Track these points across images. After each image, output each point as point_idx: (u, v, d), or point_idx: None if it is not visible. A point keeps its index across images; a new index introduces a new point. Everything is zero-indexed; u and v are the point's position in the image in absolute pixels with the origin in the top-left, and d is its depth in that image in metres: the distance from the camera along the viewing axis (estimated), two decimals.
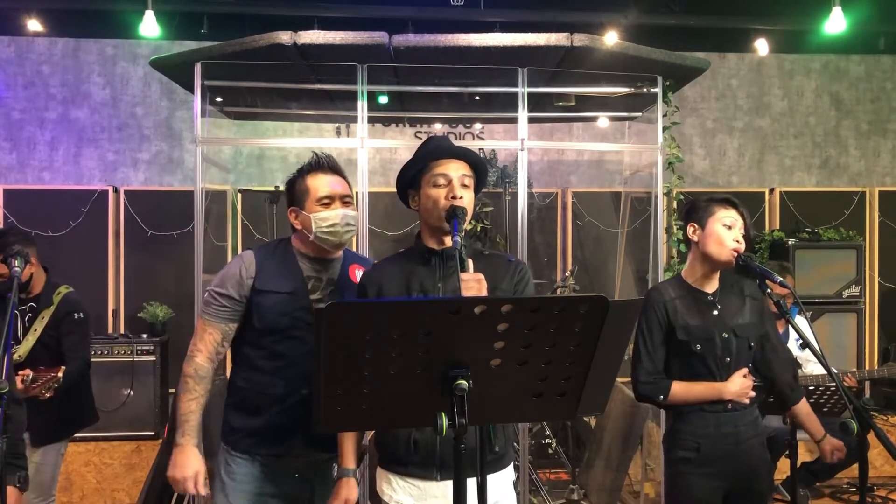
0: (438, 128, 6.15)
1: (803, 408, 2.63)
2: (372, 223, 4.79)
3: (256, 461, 2.26)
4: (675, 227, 4.45)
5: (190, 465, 2.18)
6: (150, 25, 5.51)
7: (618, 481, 3.99)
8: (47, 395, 3.00)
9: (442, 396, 1.41)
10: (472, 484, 1.54)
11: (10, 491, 2.28)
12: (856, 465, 2.28)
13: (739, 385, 2.40)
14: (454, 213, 1.95)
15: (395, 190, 2.17)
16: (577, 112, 5.23)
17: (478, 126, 6.41)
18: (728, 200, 2.47)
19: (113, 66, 6.48)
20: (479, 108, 5.17)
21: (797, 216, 6.03)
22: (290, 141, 6.28)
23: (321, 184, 2.27)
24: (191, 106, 4.15)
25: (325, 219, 2.23)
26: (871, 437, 2.17)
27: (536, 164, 6.56)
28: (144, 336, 5.03)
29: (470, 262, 1.85)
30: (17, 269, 2.64)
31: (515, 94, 3.98)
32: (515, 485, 2.18)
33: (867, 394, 5.58)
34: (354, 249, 3.30)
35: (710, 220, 2.44)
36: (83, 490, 4.74)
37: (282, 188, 2.42)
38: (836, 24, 5.52)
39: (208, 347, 2.25)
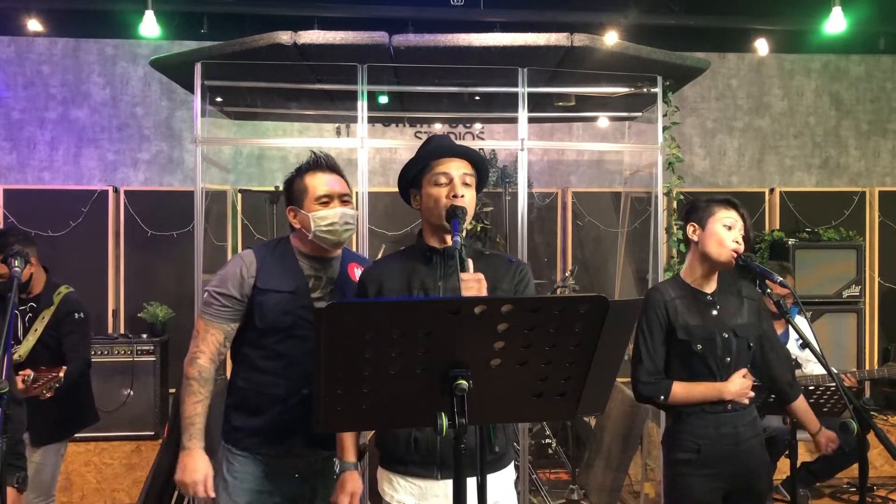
0: (438, 128, 6.15)
1: (801, 404, 2.66)
2: (372, 223, 4.79)
3: (257, 460, 2.26)
4: (675, 227, 4.45)
5: (199, 468, 2.17)
6: (150, 25, 5.51)
7: (618, 481, 3.99)
8: (48, 394, 3.00)
9: (442, 396, 1.41)
10: (472, 483, 1.54)
11: (9, 491, 2.28)
12: (856, 465, 2.28)
13: (739, 385, 2.41)
14: (454, 213, 1.96)
15: (395, 190, 2.17)
16: (577, 112, 5.23)
17: (478, 126, 6.41)
18: (729, 201, 2.47)
19: (113, 66, 6.48)
20: (479, 108, 5.17)
21: (797, 216, 6.03)
22: (290, 141, 6.28)
23: (319, 183, 2.27)
24: (191, 106, 4.15)
25: (323, 217, 2.23)
26: (871, 437, 2.17)
27: (536, 164, 6.57)
28: (144, 336, 5.03)
29: (470, 262, 1.85)
30: (17, 269, 2.64)
31: (515, 94, 3.98)
32: (516, 484, 2.18)
33: (867, 394, 5.59)
34: (354, 249, 3.30)
35: (710, 221, 2.44)
36: (83, 490, 4.74)
37: (281, 188, 2.42)
38: (836, 24, 5.52)
39: (210, 348, 2.24)
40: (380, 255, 4.15)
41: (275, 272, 2.26)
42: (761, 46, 6.48)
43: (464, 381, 1.40)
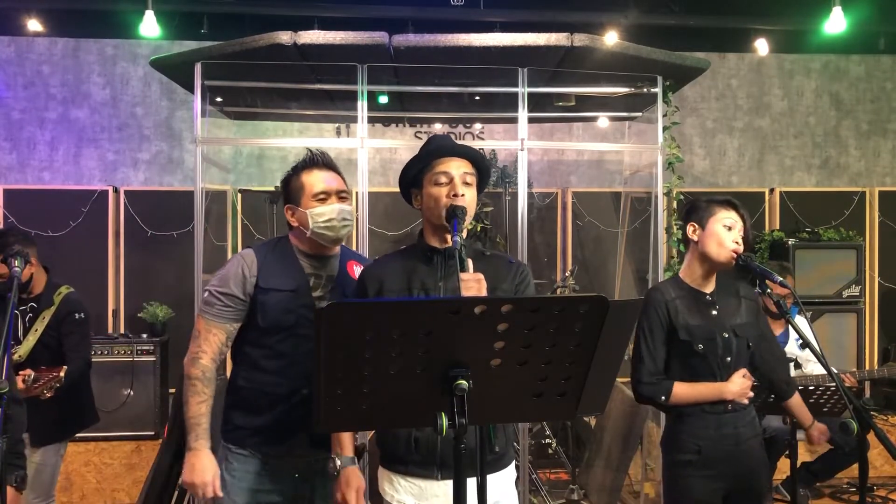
0: (438, 128, 6.15)
1: (796, 400, 2.69)
2: (372, 223, 4.79)
3: (257, 459, 2.26)
4: (675, 227, 4.45)
5: (207, 468, 2.17)
6: (150, 25, 5.51)
7: (618, 481, 3.99)
8: (48, 394, 3.00)
9: (442, 396, 1.41)
10: (472, 484, 1.54)
11: (8, 490, 2.28)
12: (856, 465, 2.28)
13: (740, 385, 2.41)
14: (454, 213, 1.96)
15: (395, 190, 2.17)
16: (577, 112, 5.23)
17: (478, 126, 6.41)
18: (729, 202, 2.47)
19: (113, 66, 6.48)
20: (479, 108, 5.17)
21: (797, 216, 6.03)
22: (290, 141, 6.28)
23: (316, 180, 2.27)
24: (191, 106, 4.15)
25: (321, 214, 2.24)
26: (871, 437, 2.17)
27: (536, 164, 6.56)
28: (144, 336, 5.03)
29: (470, 262, 1.85)
30: (17, 269, 2.64)
31: (515, 94, 3.98)
32: (516, 484, 2.18)
33: (867, 394, 5.58)
34: (354, 249, 3.30)
35: (710, 221, 2.44)
36: (83, 490, 4.74)
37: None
38: (836, 24, 5.52)
39: (213, 348, 2.24)
40: None
41: (276, 271, 2.26)
42: (761, 46, 6.48)
43: (464, 381, 1.40)
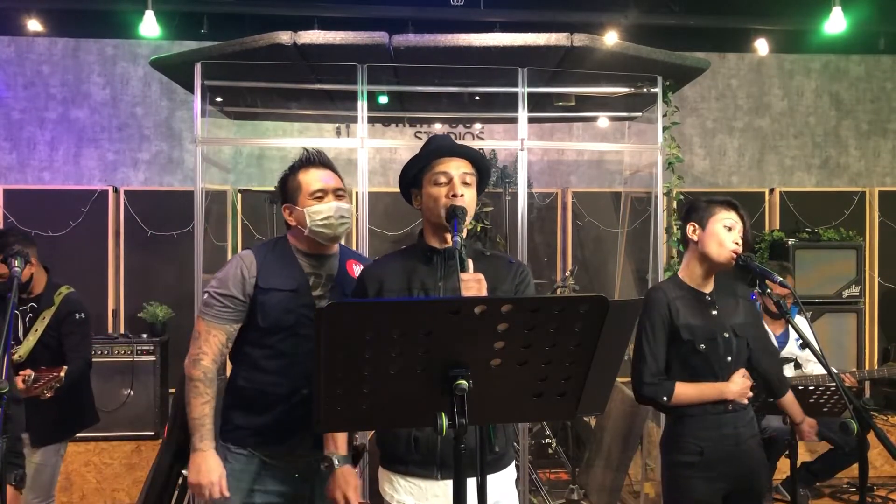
0: (438, 128, 6.15)
1: (789, 397, 2.71)
2: (372, 223, 4.79)
3: (257, 459, 2.26)
4: (675, 227, 4.45)
5: (213, 469, 2.17)
6: (150, 25, 5.51)
7: (618, 481, 3.99)
8: (48, 394, 3.00)
9: (442, 396, 1.41)
10: (472, 484, 1.53)
11: (7, 490, 2.28)
12: (856, 465, 2.28)
13: (740, 385, 2.41)
14: (454, 213, 1.96)
15: (395, 190, 2.17)
16: (577, 112, 5.23)
17: (478, 126, 6.41)
18: (729, 202, 2.47)
19: (113, 66, 6.48)
20: (479, 108, 5.17)
21: (797, 216, 6.03)
22: (290, 141, 6.28)
23: (313, 178, 2.28)
24: (191, 106, 4.15)
25: (318, 212, 2.24)
26: (871, 437, 2.17)
27: (536, 164, 6.56)
28: (144, 336, 5.03)
29: (470, 262, 1.85)
30: (17, 269, 2.64)
31: (515, 94, 3.98)
32: (516, 484, 2.18)
33: (867, 394, 5.58)
34: (354, 249, 3.30)
35: (710, 221, 2.44)
36: (83, 490, 4.74)
37: None
38: (836, 24, 5.52)
39: (213, 350, 2.24)
40: None
41: (275, 271, 2.26)
42: (761, 46, 6.48)
43: (464, 381, 1.40)
